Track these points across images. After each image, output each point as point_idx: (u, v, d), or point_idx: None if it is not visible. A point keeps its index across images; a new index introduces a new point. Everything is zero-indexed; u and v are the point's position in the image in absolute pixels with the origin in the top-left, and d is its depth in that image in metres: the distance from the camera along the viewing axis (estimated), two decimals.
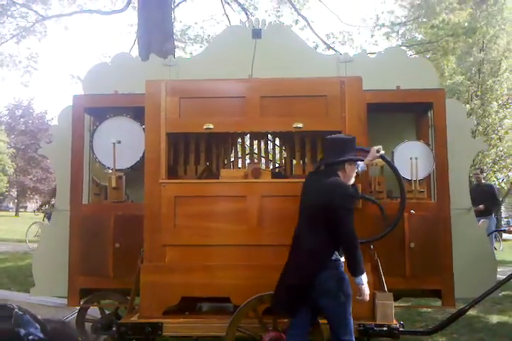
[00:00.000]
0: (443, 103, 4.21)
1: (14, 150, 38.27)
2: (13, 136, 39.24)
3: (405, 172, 4.11)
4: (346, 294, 3.16)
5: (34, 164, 38.72)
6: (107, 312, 4.53)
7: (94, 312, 4.82)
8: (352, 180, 3.39)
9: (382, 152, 3.63)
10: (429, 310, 5.40)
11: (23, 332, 0.71)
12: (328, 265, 3.17)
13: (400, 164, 4.04)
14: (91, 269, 4.27)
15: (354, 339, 3.22)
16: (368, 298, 3.21)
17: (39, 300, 5.74)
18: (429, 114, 4.45)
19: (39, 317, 0.79)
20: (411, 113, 4.64)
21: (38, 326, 0.73)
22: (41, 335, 0.72)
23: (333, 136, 3.49)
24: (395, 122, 4.56)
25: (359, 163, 3.51)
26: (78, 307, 4.56)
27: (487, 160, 17.18)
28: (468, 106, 15.87)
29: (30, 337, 0.71)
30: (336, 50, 12.74)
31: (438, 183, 4.19)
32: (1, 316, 0.72)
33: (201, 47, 14.22)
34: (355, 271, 3.17)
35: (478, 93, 17.03)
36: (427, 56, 14.19)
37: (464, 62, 16.94)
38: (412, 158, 4.19)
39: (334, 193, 3.18)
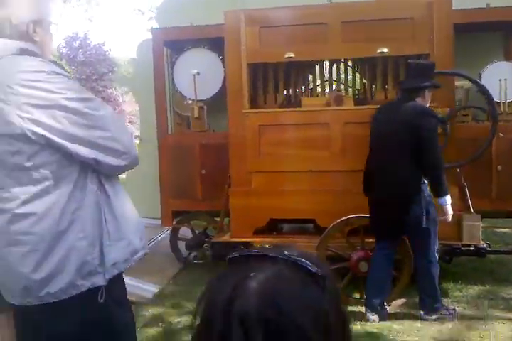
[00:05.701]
0: None
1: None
2: (73, 67, 39.92)
3: (494, 95, 3.98)
4: (431, 216, 3.26)
5: (95, 94, 39.69)
6: (197, 231, 4.91)
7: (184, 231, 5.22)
8: (427, 106, 3.38)
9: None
10: (506, 230, 5.45)
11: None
12: (418, 190, 3.24)
13: (488, 86, 3.90)
14: (181, 193, 4.58)
15: (437, 259, 3.36)
16: (450, 218, 3.30)
17: None
18: None
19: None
20: (499, 32, 4.41)
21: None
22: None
23: (414, 60, 3.45)
24: (482, 42, 4.36)
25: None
26: (170, 228, 4.97)
27: None
28: None
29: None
30: None
31: None
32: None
33: None
34: (440, 191, 3.24)
35: None
36: None
37: None
38: (500, 80, 4.06)
39: (420, 116, 3.21)
